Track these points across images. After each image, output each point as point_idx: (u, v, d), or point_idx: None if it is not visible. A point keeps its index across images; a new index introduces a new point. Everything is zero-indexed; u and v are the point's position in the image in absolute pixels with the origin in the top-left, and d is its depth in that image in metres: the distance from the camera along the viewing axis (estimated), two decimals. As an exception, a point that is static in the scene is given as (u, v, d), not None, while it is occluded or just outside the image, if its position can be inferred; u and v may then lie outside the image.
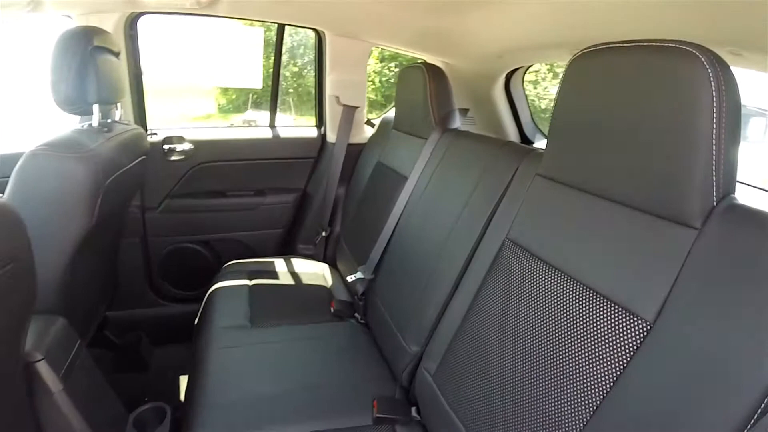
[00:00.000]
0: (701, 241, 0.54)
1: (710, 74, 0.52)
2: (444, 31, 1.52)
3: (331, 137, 1.82)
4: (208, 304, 1.38)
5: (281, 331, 1.26)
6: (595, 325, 0.62)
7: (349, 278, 1.35)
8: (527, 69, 1.80)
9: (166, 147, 1.64)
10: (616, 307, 0.60)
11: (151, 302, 1.79)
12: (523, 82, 1.87)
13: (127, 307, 1.70)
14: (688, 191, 0.55)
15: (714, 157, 0.53)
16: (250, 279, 1.50)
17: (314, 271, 1.66)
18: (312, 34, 1.77)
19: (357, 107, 1.78)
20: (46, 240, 0.92)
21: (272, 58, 1.80)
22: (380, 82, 4.04)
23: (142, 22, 1.56)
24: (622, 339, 0.58)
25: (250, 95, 3.86)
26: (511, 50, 1.48)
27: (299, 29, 1.87)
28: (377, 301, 1.26)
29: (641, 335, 0.56)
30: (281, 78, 1.84)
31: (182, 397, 1.15)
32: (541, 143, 1.81)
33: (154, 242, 1.74)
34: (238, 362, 1.11)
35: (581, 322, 0.64)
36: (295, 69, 3.93)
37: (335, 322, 1.34)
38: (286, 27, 1.74)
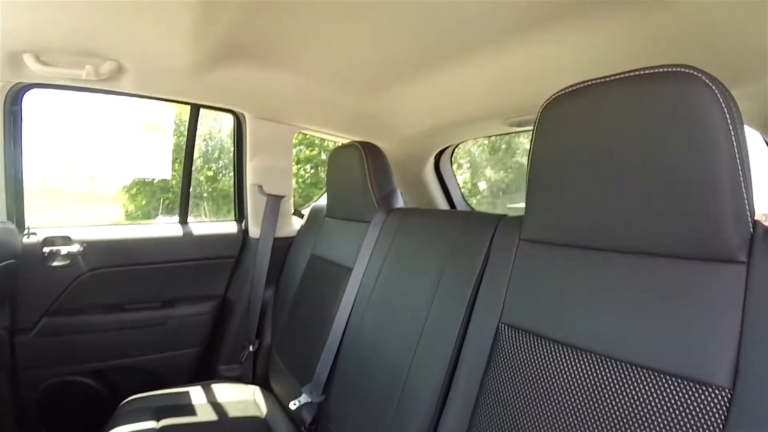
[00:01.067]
0: (755, 274, 0.47)
1: (717, 93, 0.48)
2: (375, 113, 1.47)
3: (254, 232, 1.58)
4: None
5: None
6: (654, 410, 0.49)
7: (292, 405, 1.05)
8: (455, 147, 1.81)
9: (46, 250, 1.27)
10: (677, 380, 0.48)
11: None
12: (451, 161, 1.88)
13: None
14: (723, 223, 0.48)
15: (742, 181, 0.48)
16: (158, 419, 1.12)
17: (243, 398, 1.31)
18: (228, 120, 1.62)
19: (283, 196, 1.60)
20: None
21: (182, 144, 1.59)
22: (296, 183, 3.99)
23: (28, 97, 1.27)
24: (697, 420, 0.46)
25: (162, 200, 3.56)
26: (443, 127, 1.46)
27: (217, 114, 1.68)
28: (334, 431, 0.97)
29: (723, 408, 0.44)
30: (193, 180, 1.61)
31: None
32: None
33: (26, 375, 1.30)
34: None
35: (633, 412, 0.50)
36: (210, 173, 3.74)
37: None
38: (201, 111, 1.56)
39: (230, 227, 1.62)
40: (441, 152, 1.77)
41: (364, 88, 1.31)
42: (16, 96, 1.25)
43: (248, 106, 1.51)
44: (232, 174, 1.68)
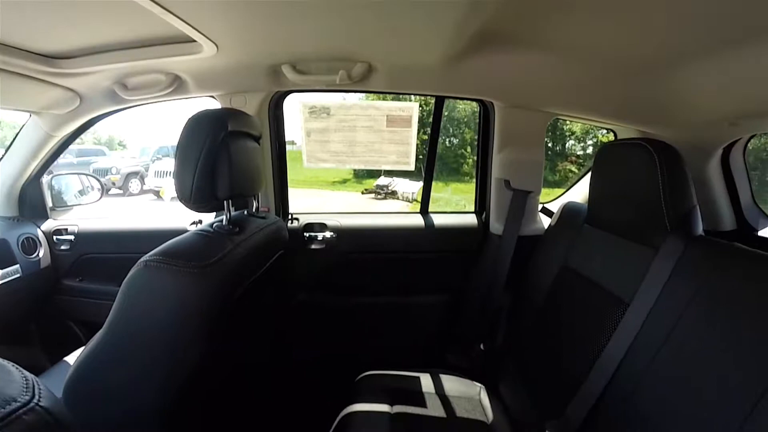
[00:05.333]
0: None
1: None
2: (650, 97, 1.14)
3: (496, 227, 1.50)
4: None
5: None
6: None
7: None
8: (750, 138, 1.30)
9: (306, 235, 1.52)
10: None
11: (272, 402, 1.60)
12: (745, 155, 1.35)
13: None
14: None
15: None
16: (392, 404, 1.21)
17: (469, 396, 1.29)
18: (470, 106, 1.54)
19: (530, 192, 1.45)
20: (153, 369, 0.77)
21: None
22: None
23: (287, 101, 1.49)
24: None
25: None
26: (753, 113, 1.02)
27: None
28: None
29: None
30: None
31: None
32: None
33: (282, 342, 1.59)
34: None
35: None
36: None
37: None
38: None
39: (471, 220, 1.58)
40: (731, 144, 1.30)
41: (637, 71, 1.03)
42: (277, 102, 1.45)
43: (499, 94, 1.39)
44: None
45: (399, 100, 1.72)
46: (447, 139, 10.17)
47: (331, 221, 1.55)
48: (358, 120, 1.58)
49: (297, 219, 1.54)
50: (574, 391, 0.92)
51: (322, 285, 1.55)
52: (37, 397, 0.37)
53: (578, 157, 9.62)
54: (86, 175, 1.96)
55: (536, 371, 1.14)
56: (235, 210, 1.00)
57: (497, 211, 1.49)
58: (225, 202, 0.91)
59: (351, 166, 1.71)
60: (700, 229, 0.90)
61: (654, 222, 0.92)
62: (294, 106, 1.57)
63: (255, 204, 1.18)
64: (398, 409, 1.19)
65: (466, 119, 10.31)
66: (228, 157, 0.88)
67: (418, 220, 1.57)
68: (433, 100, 1.53)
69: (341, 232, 1.52)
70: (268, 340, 1.51)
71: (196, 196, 0.86)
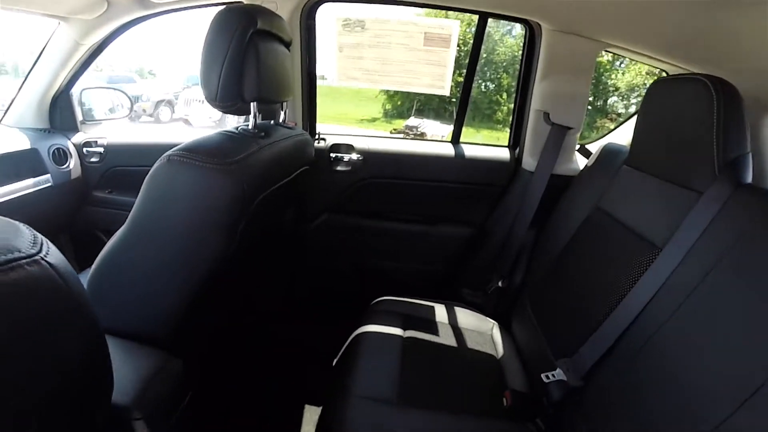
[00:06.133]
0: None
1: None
2: (730, 29, 1.00)
3: (529, 163, 1.42)
4: (351, 352, 1.15)
5: (432, 421, 0.94)
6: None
7: (544, 377, 0.95)
8: None
9: (332, 155, 1.48)
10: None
11: (287, 321, 1.66)
12: None
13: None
14: None
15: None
16: (405, 328, 1.23)
17: (481, 330, 1.30)
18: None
19: (570, 129, 1.35)
20: (171, 266, 0.77)
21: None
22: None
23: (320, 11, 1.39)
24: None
25: (415, 102, 3.73)
26: None
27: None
28: (584, 427, 0.83)
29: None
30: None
31: None
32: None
33: (304, 261, 1.61)
34: None
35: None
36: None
37: (505, 422, 0.96)
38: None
39: (503, 154, 1.50)
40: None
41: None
42: (310, 11, 1.35)
43: (547, 14, 1.26)
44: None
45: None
46: (483, 83, 9.70)
47: (359, 144, 1.50)
48: (394, 36, 1.46)
49: (324, 139, 1.51)
50: (589, 334, 0.90)
51: (344, 208, 1.53)
52: (44, 252, 0.36)
53: (619, 115, 9.04)
54: (116, 90, 1.95)
55: (552, 312, 1.12)
56: (262, 119, 0.97)
57: (532, 146, 1.41)
58: (251, 105, 0.88)
59: (383, 86, 1.63)
60: (749, 178, 0.82)
61: (701, 165, 0.83)
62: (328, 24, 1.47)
63: (282, 116, 1.15)
64: (410, 333, 1.20)
65: (504, 63, 9.75)
66: (256, 55, 0.84)
67: (448, 150, 1.51)
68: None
69: (368, 156, 1.48)
70: (286, 260, 1.53)
71: (222, 95, 0.83)
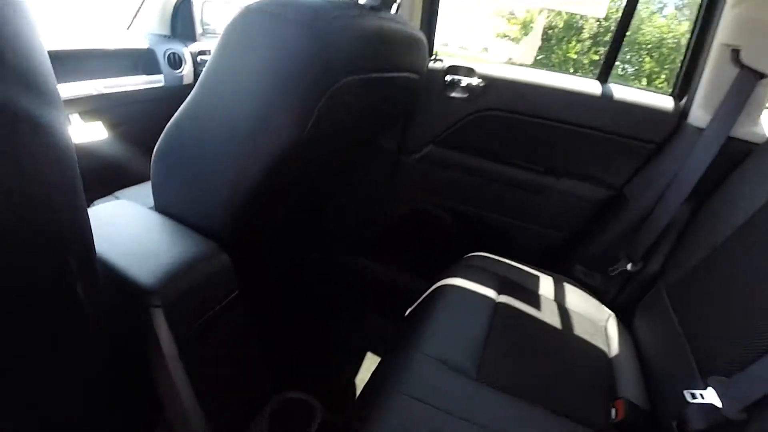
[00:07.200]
0: None
1: None
2: None
3: (699, 118, 1.07)
4: (429, 304, 0.97)
5: (519, 414, 0.73)
6: None
7: (689, 396, 0.68)
8: None
9: (448, 78, 1.25)
10: None
11: (370, 259, 1.51)
12: None
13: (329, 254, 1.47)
14: None
15: None
16: (499, 292, 1.01)
17: (594, 319, 1.03)
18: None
19: (766, 77, 0.97)
20: (235, 140, 0.66)
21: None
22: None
23: None
24: None
25: None
26: None
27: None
28: None
29: None
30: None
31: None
32: None
33: (397, 195, 1.42)
34: None
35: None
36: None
37: None
38: None
39: (664, 103, 1.15)
40: None
41: None
42: None
43: None
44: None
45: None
46: (621, 66, 8.52)
47: (482, 69, 1.26)
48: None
49: (440, 60, 1.29)
50: (764, 352, 0.61)
51: (452, 142, 1.30)
52: None
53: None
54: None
55: (705, 314, 0.81)
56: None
57: (707, 95, 1.06)
58: None
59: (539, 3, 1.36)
60: None
61: None
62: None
63: (395, 8, 1.00)
64: (505, 299, 0.98)
65: (648, 45, 8.44)
66: None
67: (592, 88, 1.19)
68: None
69: (491, 82, 1.23)
70: (370, 188, 1.38)
71: None
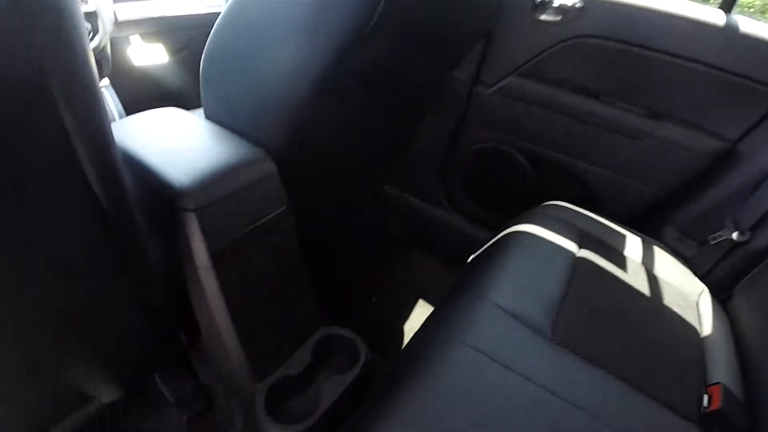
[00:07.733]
0: None
1: None
2: None
3: None
4: (498, 251, 0.87)
5: (598, 383, 0.63)
6: None
7: None
8: None
9: None
10: None
11: (429, 200, 1.41)
12: None
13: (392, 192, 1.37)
14: None
15: None
16: (580, 246, 0.89)
17: (686, 292, 0.89)
18: None
19: None
20: (292, 29, 0.58)
21: None
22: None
23: None
24: None
25: None
26: None
27: None
28: None
29: None
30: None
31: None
32: None
33: (468, 130, 1.28)
34: (485, 399, 0.57)
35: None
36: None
37: (697, 429, 0.62)
38: None
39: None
40: None
41: None
42: None
43: None
44: None
45: None
46: None
47: None
48: None
49: None
50: None
51: (538, 73, 1.13)
52: None
53: None
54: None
55: None
56: None
57: None
58: None
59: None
60: None
61: None
62: None
63: None
64: (586, 254, 0.86)
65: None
66: None
67: (712, 18, 0.97)
68: None
69: (590, 4, 1.03)
70: (439, 120, 1.26)
71: None
